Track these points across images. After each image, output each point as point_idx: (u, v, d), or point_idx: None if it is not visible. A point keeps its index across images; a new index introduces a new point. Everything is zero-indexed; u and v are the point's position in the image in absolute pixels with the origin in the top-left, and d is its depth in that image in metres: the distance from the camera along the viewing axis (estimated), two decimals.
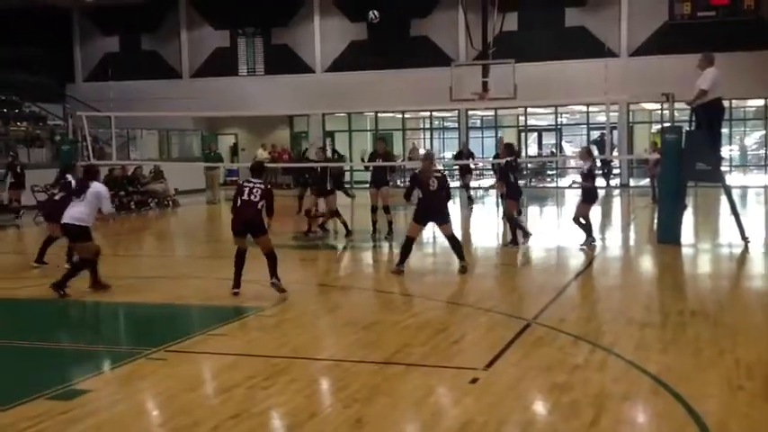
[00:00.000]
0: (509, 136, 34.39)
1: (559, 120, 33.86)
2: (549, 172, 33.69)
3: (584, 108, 31.85)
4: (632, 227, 18.77)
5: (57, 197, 12.57)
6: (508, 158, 14.03)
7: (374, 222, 15.66)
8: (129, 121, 26.33)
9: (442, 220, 11.28)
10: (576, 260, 12.83)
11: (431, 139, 35.10)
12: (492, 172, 25.76)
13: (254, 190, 9.63)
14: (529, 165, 32.96)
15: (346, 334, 8.03)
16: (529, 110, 32.21)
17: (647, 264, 13.06)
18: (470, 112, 32.47)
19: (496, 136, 32.08)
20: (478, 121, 36.06)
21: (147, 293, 10.29)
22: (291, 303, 9.52)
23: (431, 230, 17.97)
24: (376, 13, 27.40)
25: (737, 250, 13.29)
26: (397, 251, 14.23)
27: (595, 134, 32.59)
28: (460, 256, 11.27)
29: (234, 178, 31.40)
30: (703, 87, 13.16)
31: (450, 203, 11.62)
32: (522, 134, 34.37)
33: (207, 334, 8.00)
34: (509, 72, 24.31)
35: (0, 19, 32.70)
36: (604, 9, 29.81)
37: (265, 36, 33.96)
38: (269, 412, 5.74)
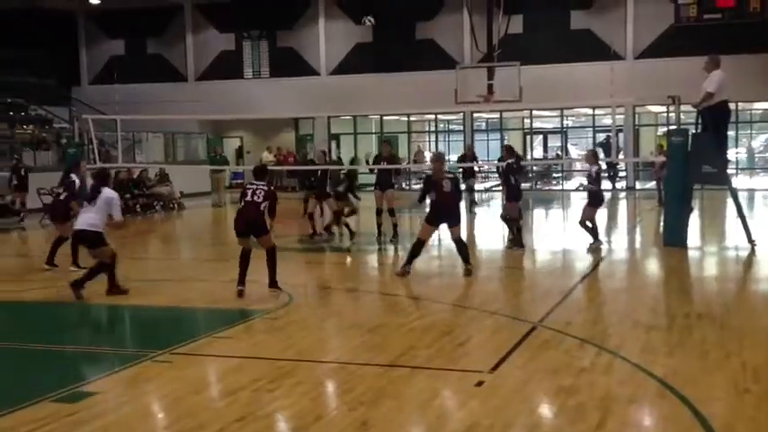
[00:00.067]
0: (514, 138, 34.42)
1: (565, 122, 33.84)
2: (555, 175, 33.65)
3: (589, 111, 31.82)
4: (638, 230, 18.73)
5: (61, 197, 12.64)
6: (509, 161, 14.03)
7: (379, 225, 15.63)
8: (134, 124, 26.40)
9: (455, 221, 11.27)
10: (582, 263, 12.81)
11: (436, 141, 35.07)
12: (497, 175, 25.75)
13: (258, 191, 9.77)
14: (534, 167, 32.94)
15: (352, 337, 8.02)
16: (534, 112, 32.18)
17: (653, 267, 13.03)
18: (476, 115, 32.47)
19: (502, 139, 32.11)
20: (484, 124, 36.03)
21: (153, 296, 10.29)
22: (297, 306, 9.52)
23: (435, 233, 18.00)
24: (371, 18, 27.58)
25: (744, 253, 13.25)
26: (402, 254, 14.25)
27: (601, 137, 32.56)
28: (466, 260, 11.25)
29: (239, 181, 31.39)
30: (710, 90, 13.13)
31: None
32: (528, 137, 34.33)
33: (212, 337, 8.00)
34: (514, 74, 24.30)
35: (5, 22, 32.79)
36: (610, 11, 29.77)
37: (270, 39, 34.00)
38: (274, 415, 5.74)
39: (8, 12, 32.65)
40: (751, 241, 13.33)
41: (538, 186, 32.39)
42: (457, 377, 6.50)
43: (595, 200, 13.72)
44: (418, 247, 11.31)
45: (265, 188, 9.83)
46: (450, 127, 37.53)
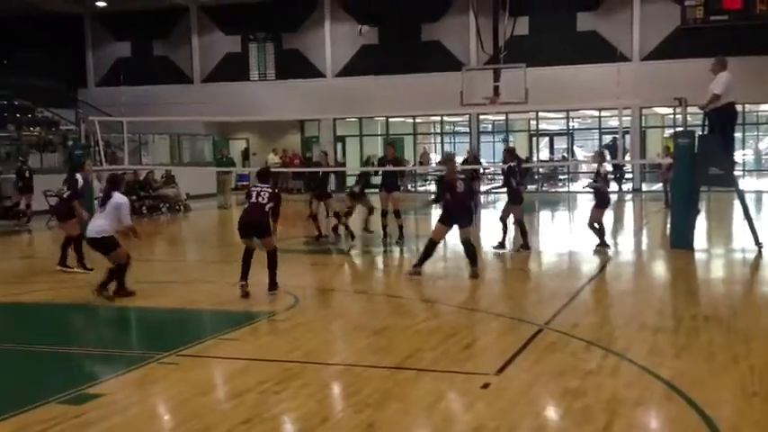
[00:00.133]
0: (520, 140, 34.40)
1: (571, 124, 33.78)
2: (561, 177, 33.61)
3: (596, 112, 31.79)
4: (645, 232, 18.69)
5: (65, 195, 12.71)
6: (511, 164, 14.04)
7: (384, 227, 15.64)
8: (140, 125, 26.47)
9: (467, 222, 11.27)
10: (589, 265, 12.80)
11: (442, 143, 35.06)
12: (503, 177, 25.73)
13: (262, 193, 9.88)
14: (540, 169, 32.90)
15: (357, 339, 8.02)
16: (540, 114, 32.15)
17: (659, 269, 13.00)
18: (481, 117, 32.45)
19: (507, 140, 32.04)
20: (490, 126, 36.01)
21: (159, 298, 10.30)
22: (302, 308, 9.53)
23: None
24: (367, 27, 27.69)
25: (751, 255, 13.21)
26: (407, 255, 14.28)
27: (607, 138, 32.51)
28: (473, 263, 11.22)
29: (245, 183, 31.45)
30: (716, 92, 13.10)
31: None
32: (534, 138, 34.30)
33: (218, 338, 8.01)
34: (520, 76, 24.27)
35: (12, 24, 32.94)
36: (616, 13, 29.74)
37: (276, 41, 34.04)
38: (281, 417, 5.74)
39: (14, 14, 32.80)
40: (758, 243, 13.29)
41: (544, 188, 32.35)
42: (463, 379, 6.49)
43: (602, 201, 13.70)
44: (431, 248, 11.28)
45: (270, 190, 9.93)
46: (456, 129, 37.52)
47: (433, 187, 33.53)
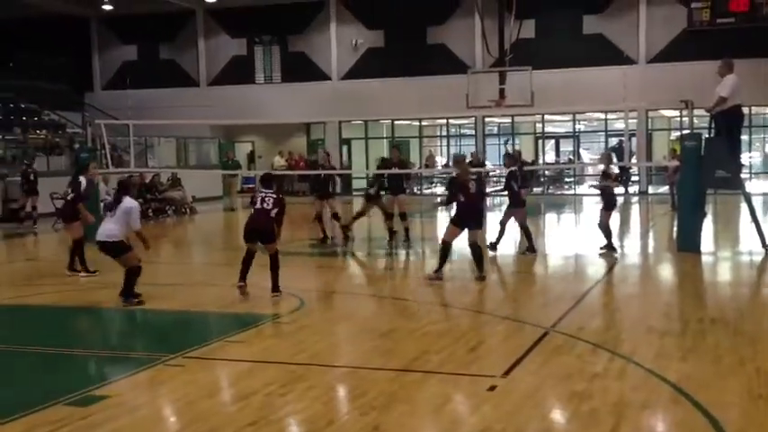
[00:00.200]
0: (526, 143, 34.37)
1: (577, 127, 33.76)
2: (567, 179, 33.58)
3: (602, 115, 31.75)
4: (651, 234, 18.66)
5: (69, 198, 12.75)
6: (512, 168, 14.04)
7: (390, 230, 15.63)
8: (146, 128, 26.52)
9: (478, 224, 11.25)
10: (595, 268, 12.77)
11: (447, 146, 35.06)
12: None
13: (267, 198, 9.99)
14: (546, 172, 32.87)
15: (363, 341, 8.02)
16: (546, 117, 32.12)
17: (666, 272, 12.97)
18: (487, 120, 32.44)
19: (514, 143, 32.03)
20: (495, 129, 36.00)
21: (165, 300, 10.31)
22: (308, 310, 9.53)
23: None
24: (361, 40, 27.74)
25: (758, 258, 13.19)
26: (413, 258, 14.29)
27: (613, 141, 32.48)
28: (480, 267, 11.18)
29: (251, 185, 31.52)
30: (723, 94, 13.08)
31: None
32: (540, 141, 34.28)
33: (224, 341, 8.02)
34: (526, 79, 24.29)
35: (20, 28, 33.05)
36: (622, 16, 29.70)
37: (282, 44, 34.07)
38: (286, 419, 5.74)
39: (21, 17, 32.90)
40: (765, 246, 13.26)
41: (550, 191, 32.32)
42: (469, 382, 6.49)
43: (609, 203, 13.64)
44: (445, 251, 11.20)
45: (274, 195, 10.05)
46: (462, 131, 37.49)
47: (438, 190, 33.58)
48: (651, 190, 30.20)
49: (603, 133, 32.65)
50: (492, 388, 6.18)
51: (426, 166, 32.70)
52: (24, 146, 25.82)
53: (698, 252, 13.36)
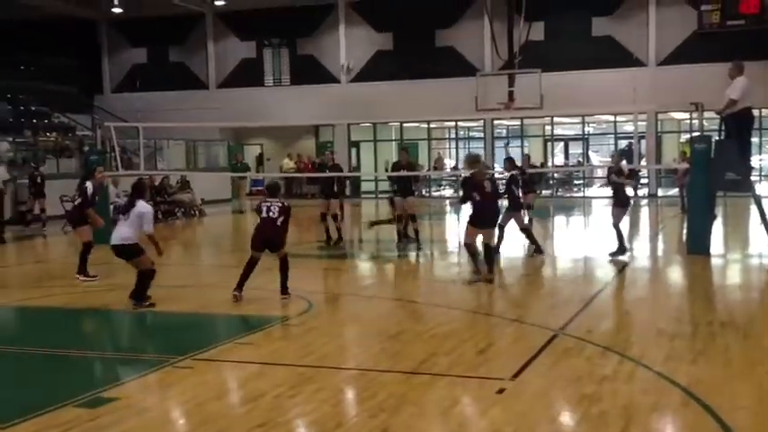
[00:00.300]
0: (535, 145, 34.34)
1: (586, 129, 33.69)
2: (576, 182, 33.50)
3: (611, 117, 31.68)
4: (661, 237, 18.60)
5: (76, 203, 12.82)
6: (513, 172, 14.04)
7: (399, 232, 15.64)
8: (156, 131, 26.59)
9: (492, 224, 11.22)
10: (604, 270, 12.73)
11: (456, 148, 35.03)
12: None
13: (272, 207, 10.04)
14: (555, 174, 32.82)
15: (372, 343, 8.01)
16: (555, 119, 32.07)
17: (675, 274, 12.92)
18: (496, 122, 32.40)
19: (522, 146, 32.01)
20: (504, 131, 35.94)
21: (174, 302, 10.33)
22: (316, 312, 9.54)
23: (455, 238, 17.96)
24: (351, 65, 27.83)
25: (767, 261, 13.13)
26: (423, 260, 14.28)
27: (623, 144, 32.40)
28: (490, 268, 11.15)
29: (260, 188, 31.58)
30: (733, 97, 13.02)
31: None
32: (549, 144, 34.23)
33: (233, 343, 8.03)
34: (535, 81, 24.29)
35: (29, 30, 33.18)
36: (632, 18, 29.61)
37: (291, 46, 34.12)
38: (295, 421, 5.74)
39: (31, 20, 33.03)
40: None
41: (559, 193, 32.26)
42: (478, 384, 6.48)
43: (622, 200, 13.51)
44: (473, 252, 11.14)
45: (279, 204, 10.07)
46: (471, 134, 37.46)
47: (447, 192, 33.57)
48: (661, 192, 30.11)
49: (613, 136, 32.58)
50: (501, 391, 6.16)
51: (435, 169, 32.68)
52: (34, 148, 25.93)
53: (707, 255, 13.31)
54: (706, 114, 14.31)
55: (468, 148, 37.03)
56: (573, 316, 8.97)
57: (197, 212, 24.54)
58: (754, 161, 25.34)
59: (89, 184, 12.44)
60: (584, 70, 28.75)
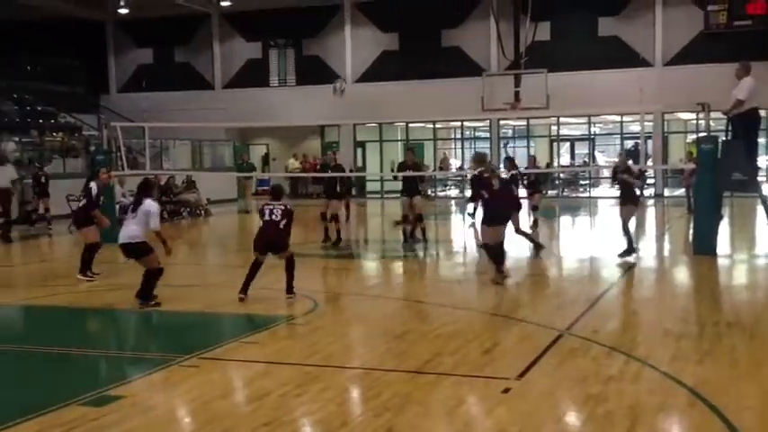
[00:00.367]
0: (541, 145, 34.28)
1: (592, 129, 33.63)
2: (582, 182, 33.46)
3: (617, 118, 31.62)
4: (667, 237, 18.56)
5: (81, 203, 12.87)
6: (513, 172, 14.06)
7: (405, 232, 15.65)
8: (162, 131, 26.64)
9: (502, 221, 11.21)
10: (610, 270, 12.70)
11: (462, 149, 35.01)
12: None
13: (275, 210, 10.03)
14: (561, 175, 32.77)
15: (377, 343, 8.01)
16: (561, 120, 32.02)
17: (682, 275, 12.89)
18: (502, 122, 32.38)
19: (528, 146, 31.98)
20: (510, 131, 35.92)
21: (180, 301, 10.34)
22: (322, 312, 9.54)
23: (461, 238, 17.95)
24: (342, 85, 27.90)
25: None
26: (429, 260, 14.27)
27: (629, 144, 32.35)
28: (499, 267, 11.11)
29: (265, 188, 31.61)
30: (740, 97, 12.99)
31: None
32: (555, 144, 34.18)
33: (239, 342, 8.04)
34: (541, 82, 24.22)
35: (36, 31, 33.26)
36: (638, 18, 29.54)
37: (296, 47, 34.15)
38: (300, 420, 5.73)
39: (37, 21, 33.11)
40: None
41: (565, 193, 32.21)
42: (483, 384, 6.46)
43: (631, 198, 13.44)
44: (490, 251, 11.10)
45: (282, 207, 10.07)
46: (477, 134, 37.43)
47: (452, 192, 33.55)
48: (667, 193, 30.02)
49: (619, 136, 32.51)
50: (506, 390, 6.15)
51: (441, 169, 32.67)
52: (41, 148, 25.98)
53: (714, 255, 13.28)
54: (713, 115, 14.28)
55: (474, 148, 37.02)
56: (579, 316, 8.95)
57: (202, 212, 24.57)
58: (761, 161, 25.28)
59: (93, 185, 12.46)
60: (591, 70, 28.70)
